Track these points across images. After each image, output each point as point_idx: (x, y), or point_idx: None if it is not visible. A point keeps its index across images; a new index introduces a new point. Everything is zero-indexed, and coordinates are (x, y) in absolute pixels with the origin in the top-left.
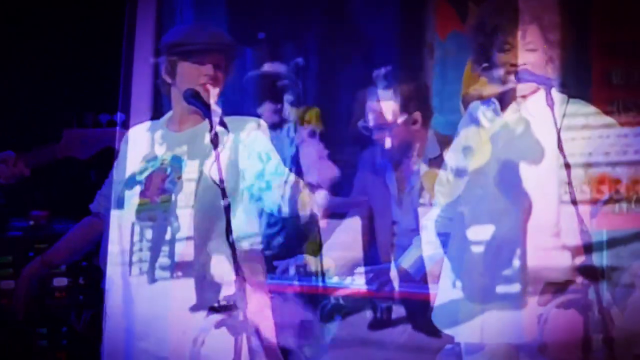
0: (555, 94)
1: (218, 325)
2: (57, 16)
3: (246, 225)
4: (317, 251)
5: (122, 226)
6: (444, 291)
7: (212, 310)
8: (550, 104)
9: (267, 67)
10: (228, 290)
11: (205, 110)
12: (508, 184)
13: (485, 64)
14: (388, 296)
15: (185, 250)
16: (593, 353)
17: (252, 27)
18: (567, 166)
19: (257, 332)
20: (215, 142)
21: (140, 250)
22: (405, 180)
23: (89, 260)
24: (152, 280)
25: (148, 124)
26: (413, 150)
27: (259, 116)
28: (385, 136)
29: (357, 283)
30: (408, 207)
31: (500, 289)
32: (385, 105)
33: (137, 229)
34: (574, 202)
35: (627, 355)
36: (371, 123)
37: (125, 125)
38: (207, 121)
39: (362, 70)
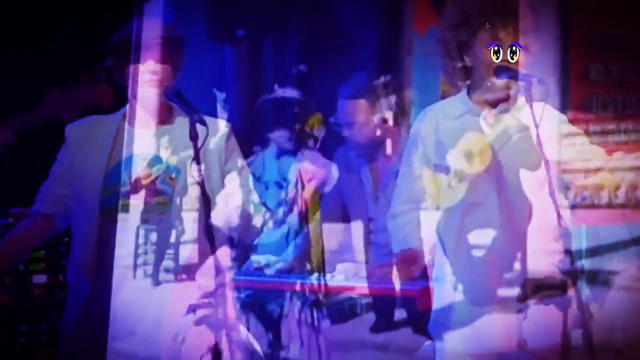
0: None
1: (198, 322)
2: None
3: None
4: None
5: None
6: (445, 294)
7: (193, 307)
8: (530, 101)
9: (279, 92)
10: (208, 287)
11: (185, 108)
12: (508, 189)
13: (460, 64)
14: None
15: (190, 253)
16: (573, 348)
17: (232, 24)
18: (547, 163)
19: (236, 328)
20: (195, 139)
21: (145, 253)
22: (381, 177)
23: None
24: (157, 282)
25: (95, 120)
26: (385, 147)
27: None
28: (356, 133)
29: (337, 279)
30: (384, 204)
31: (502, 292)
32: (357, 103)
33: (141, 232)
34: (554, 199)
35: (607, 349)
36: (342, 120)
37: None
38: (178, 120)
39: (341, 65)
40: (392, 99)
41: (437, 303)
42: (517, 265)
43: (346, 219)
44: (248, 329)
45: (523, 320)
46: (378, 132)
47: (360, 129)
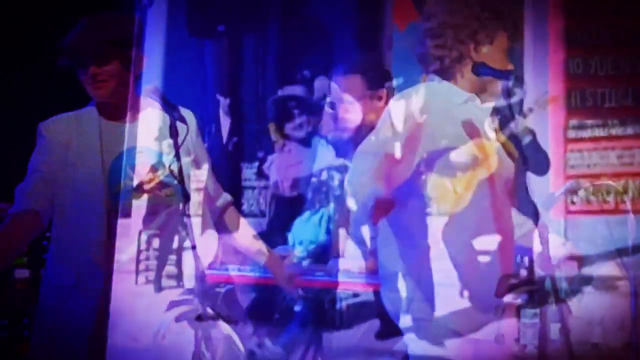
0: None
1: (178, 318)
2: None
3: None
4: None
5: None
6: (451, 300)
7: (173, 303)
8: (507, 98)
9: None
10: (188, 284)
11: (164, 105)
12: (515, 195)
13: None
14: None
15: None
16: (550, 342)
17: (212, 20)
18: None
19: (217, 324)
20: (175, 136)
21: (147, 259)
22: None
23: None
24: (159, 289)
25: (70, 117)
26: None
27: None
28: (349, 111)
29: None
30: None
31: (508, 298)
32: (351, 80)
33: (144, 237)
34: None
35: (584, 343)
36: (336, 97)
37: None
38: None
39: (322, 61)
40: (380, 79)
41: (442, 309)
42: (523, 272)
43: None
44: (230, 324)
45: (501, 316)
46: (368, 110)
47: (354, 106)
